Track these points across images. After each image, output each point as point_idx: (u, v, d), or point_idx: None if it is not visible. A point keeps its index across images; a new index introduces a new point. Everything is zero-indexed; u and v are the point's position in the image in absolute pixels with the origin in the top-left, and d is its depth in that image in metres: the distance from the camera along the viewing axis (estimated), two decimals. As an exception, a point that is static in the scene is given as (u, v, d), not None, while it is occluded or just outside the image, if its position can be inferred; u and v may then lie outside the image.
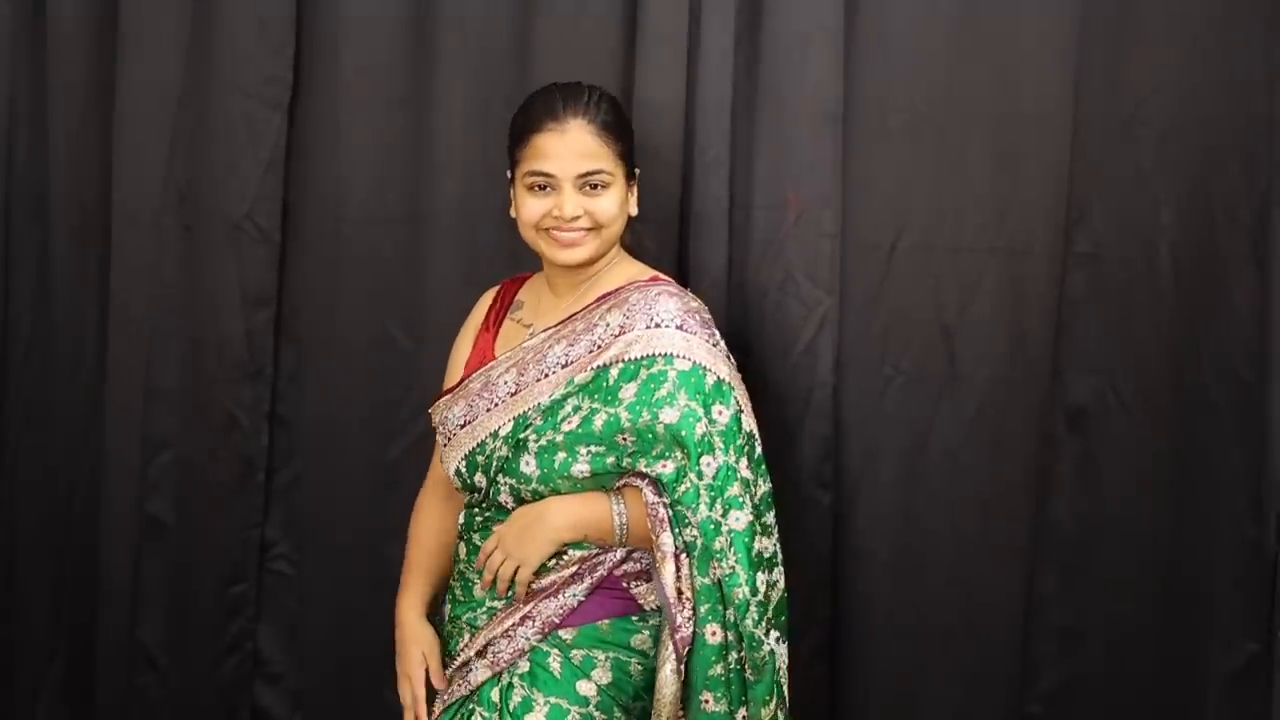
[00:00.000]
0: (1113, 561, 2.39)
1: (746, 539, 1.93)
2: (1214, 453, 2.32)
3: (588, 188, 2.02)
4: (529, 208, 2.04)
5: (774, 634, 1.97)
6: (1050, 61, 2.34)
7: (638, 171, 2.12)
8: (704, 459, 1.92)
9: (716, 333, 2.03)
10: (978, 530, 2.41)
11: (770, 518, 2.02)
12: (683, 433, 1.92)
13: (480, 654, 2.04)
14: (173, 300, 2.54)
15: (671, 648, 1.94)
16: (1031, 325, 2.37)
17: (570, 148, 2.01)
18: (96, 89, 2.55)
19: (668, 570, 1.93)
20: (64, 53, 2.55)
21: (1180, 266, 2.33)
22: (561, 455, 1.99)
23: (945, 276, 2.38)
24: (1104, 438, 2.37)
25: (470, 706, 2.03)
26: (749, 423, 1.99)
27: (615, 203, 2.04)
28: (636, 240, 2.27)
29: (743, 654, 1.94)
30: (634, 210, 2.10)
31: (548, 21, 2.43)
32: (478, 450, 2.06)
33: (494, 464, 2.04)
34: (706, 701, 1.93)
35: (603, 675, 1.98)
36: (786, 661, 2.02)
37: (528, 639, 2.00)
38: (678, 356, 1.95)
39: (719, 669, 1.93)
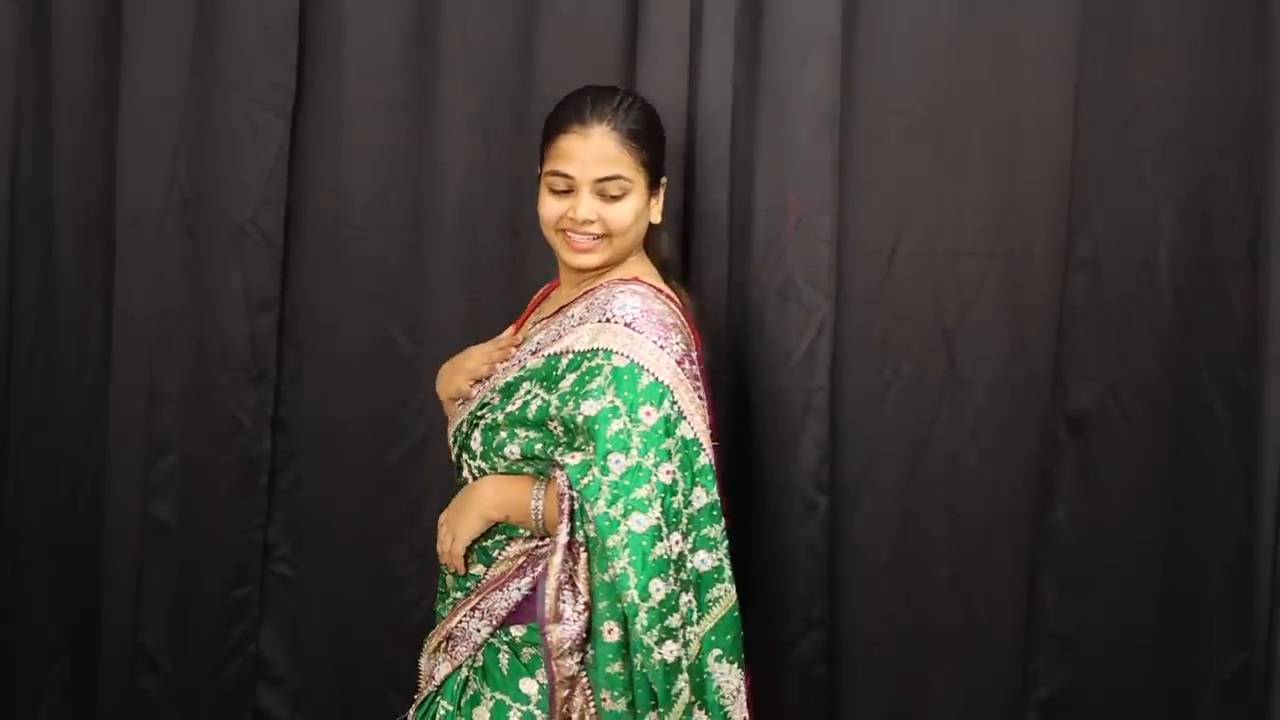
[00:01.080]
0: (1111, 567, 2.39)
1: (644, 542, 1.86)
2: (1211, 458, 2.32)
3: (605, 194, 2.02)
4: (548, 207, 2.05)
5: (668, 644, 1.88)
6: (1050, 66, 2.34)
7: (665, 181, 2.10)
8: (612, 456, 1.88)
9: (676, 337, 1.96)
10: (977, 534, 2.41)
11: (713, 530, 1.95)
12: (596, 426, 1.90)
13: (442, 648, 2.05)
14: (176, 303, 2.55)
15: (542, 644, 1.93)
16: (1031, 329, 2.38)
17: (591, 152, 2.00)
18: (101, 92, 2.56)
19: (554, 561, 1.91)
20: (68, 56, 2.56)
21: (1179, 271, 2.34)
22: (501, 434, 2.01)
23: (945, 280, 2.38)
24: (1103, 443, 2.37)
25: (436, 700, 2.04)
26: (689, 430, 1.93)
27: (631, 211, 2.03)
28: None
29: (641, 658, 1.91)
30: (656, 218, 2.08)
31: (550, 25, 2.44)
32: (458, 429, 2.09)
33: (459, 440, 2.08)
34: (605, 699, 1.91)
35: (546, 675, 1.96)
36: (733, 683, 1.95)
37: (479, 631, 2.00)
38: (617, 353, 1.93)
39: (617, 667, 1.90)
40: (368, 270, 2.53)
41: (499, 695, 1.98)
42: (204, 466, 2.57)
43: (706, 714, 1.93)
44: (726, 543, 1.96)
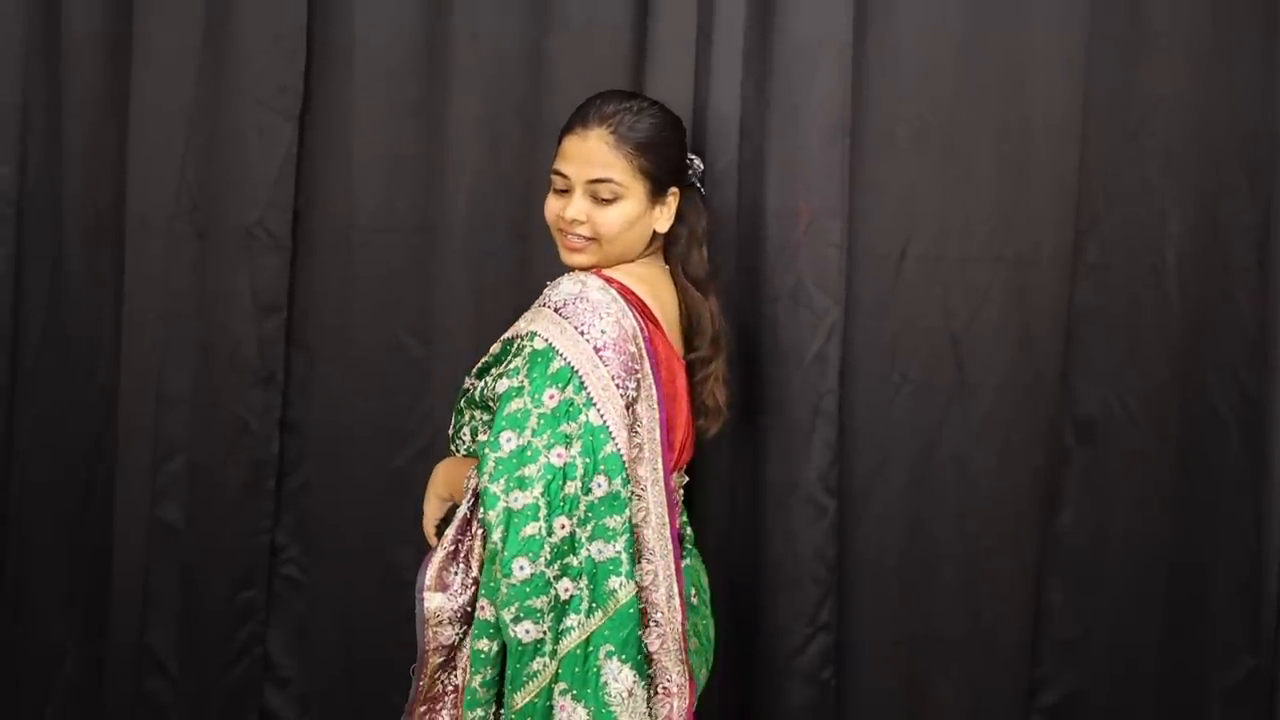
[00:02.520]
0: (1118, 572, 2.40)
1: (518, 520, 1.86)
2: (1219, 463, 2.34)
3: (597, 196, 2.03)
4: (549, 205, 2.08)
5: (526, 624, 1.86)
6: (1058, 73, 2.35)
7: (675, 190, 2.09)
8: (505, 434, 1.89)
9: (604, 323, 1.94)
10: (984, 539, 2.42)
11: (614, 521, 1.91)
12: (500, 404, 1.93)
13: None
14: (185, 306, 2.55)
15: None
16: (1039, 334, 2.39)
17: (585, 154, 2.02)
18: (110, 96, 2.57)
19: (449, 532, 1.96)
20: (78, 60, 2.57)
21: (1187, 276, 2.35)
22: (464, 417, 2.09)
23: (953, 286, 2.39)
24: (1111, 447, 2.38)
25: None
26: (598, 417, 1.91)
27: (621, 217, 2.03)
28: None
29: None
30: (663, 227, 2.09)
31: (559, 32, 2.45)
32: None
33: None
34: (471, 677, 1.92)
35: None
36: (622, 685, 1.90)
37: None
38: (539, 335, 1.95)
39: (483, 644, 1.91)
40: (376, 274, 2.54)
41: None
42: (212, 469, 2.58)
43: (585, 707, 1.89)
44: (628, 536, 1.92)
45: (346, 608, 2.59)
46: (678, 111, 2.14)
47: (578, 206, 2.03)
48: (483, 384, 2.04)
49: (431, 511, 2.10)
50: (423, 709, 1.98)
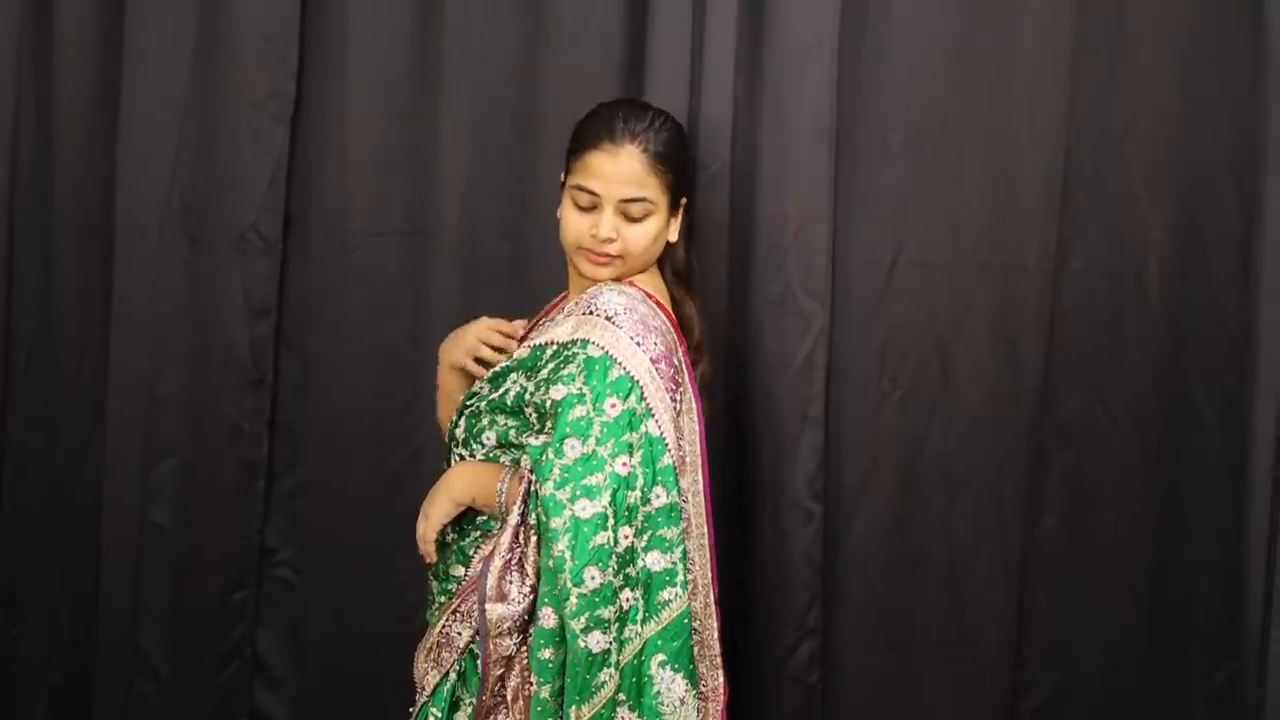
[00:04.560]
0: (1101, 577, 2.41)
1: (585, 529, 1.86)
2: (1201, 468, 2.35)
3: (629, 215, 2.02)
4: (572, 224, 2.05)
5: (595, 634, 1.86)
6: (1044, 80, 2.37)
7: (685, 201, 2.11)
8: (569, 441, 1.89)
9: (654, 338, 1.97)
10: (970, 542, 2.43)
11: (670, 532, 1.93)
12: (560, 410, 1.91)
13: (430, 655, 2.05)
14: (176, 308, 2.56)
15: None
16: (1024, 340, 2.39)
17: (619, 173, 2.01)
18: (101, 99, 2.57)
19: (503, 539, 1.92)
20: (70, 63, 2.57)
21: (1170, 283, 2.37)
22: (483, 421, 2.04)
23: (940, 292, 2.40)
24: (1094, 453, 2.40)
25: (427, 708, 2.05)
26: (656, 428, 1.93)
27: (650, 234, 2.04)
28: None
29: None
30: (673, 237, 2.10)
31: (552, 37, 2.46)
32: (454, 421, 2.12)
33: (449, 428, 2.11)
34: (532, 684, 1.91)
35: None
36: (675, 693, 1.92)
37: (461, 635, 2.01)
38: (593, 343, 1.94)
39: (548, 653, 1.89)
40: (368, 277, 2.55)
41: (475, 699, 1.99)
42: (203, 472, 2.58)
43: (640, 717, 1.91)
44: (683, 547, 1.94)
45: (340, 610, 2.60)
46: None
47: (611, 224, 2.02)
48: (509, 387, 2.02)
49: (440, 515, 2.04)
50: None
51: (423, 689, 2.06)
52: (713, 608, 2.04)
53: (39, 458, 2.66)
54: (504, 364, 2.06)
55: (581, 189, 2.03)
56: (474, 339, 2.17)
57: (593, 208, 2.03)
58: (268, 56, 2.51)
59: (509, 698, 1.95)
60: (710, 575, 2.05)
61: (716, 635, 2.04)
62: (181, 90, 2.53)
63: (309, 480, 2.61)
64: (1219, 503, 2.33)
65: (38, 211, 2.62)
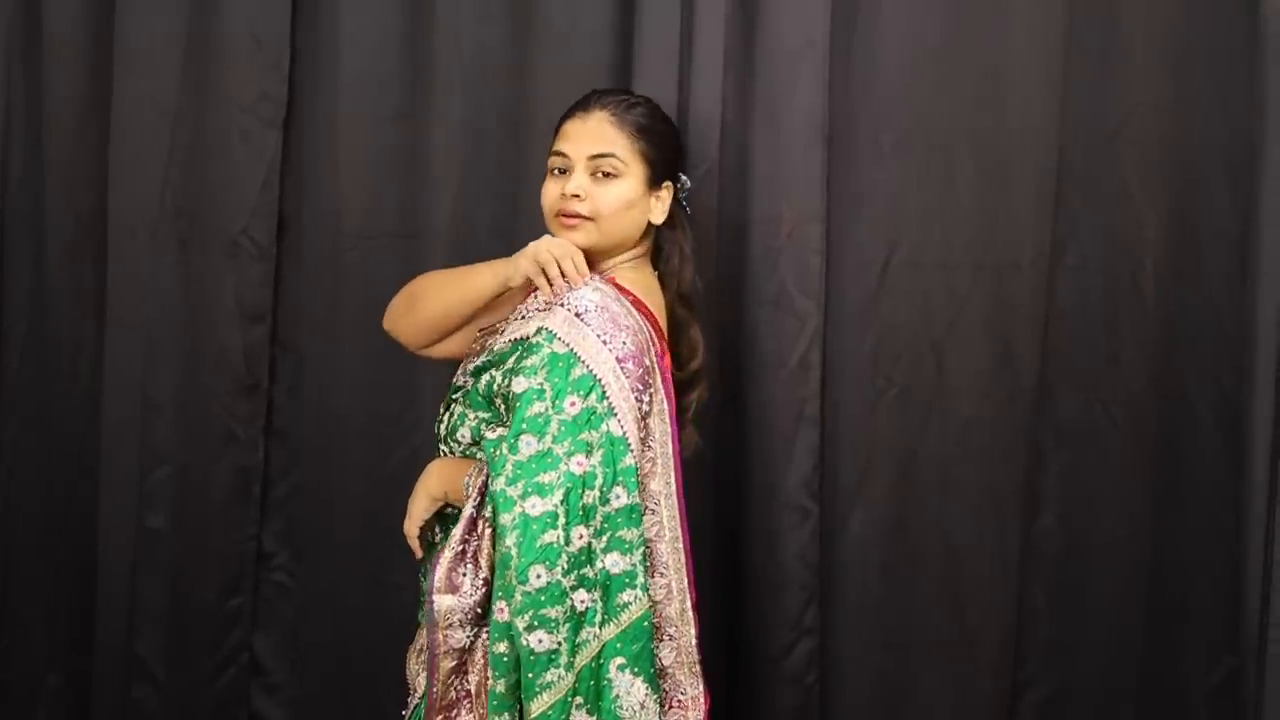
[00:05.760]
0: (1099, 575, 2.42)
1: (534, 526, 1.84)
2: (1198, 466, 2.36)
3: (598, 174, 2.05)
4: (548, 192, 2.08)
5: (539, 633, 1.85)
6: (1036, 79, 2.36)
7: (669, 184, 2.11)
8: (524, 437, 1.88)
9: (624, 337, 1.95)
10: (967, 541, 2.43)
11: (630, 534, 1.91)
12: (519, 405, 1.91)
13: (419, 657, 2.05)
14: (169, 313, 2.55)
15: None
16: (1019, 340, 2.40)
17: (587, 132, 2.05)
18: (92, 102, 2.57)
19: (456, 531, 1.93)
20: (60, 66, 2.56)
21: (1165, 281, 2.37)
22: (459, 415, 2.05)
23: (934, 291, 2.40)
24: (1090, 451, 2.40)
25: (419, 709, 2.03)
26: (618, 428, 1.91)
27: (620, 196, 2.05)
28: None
29: None
30: (658, 219, 2.10)
31: (543, 37, 2.46)
32: (439, 416, 2.12)
33: (436, 426, 2.11)
34: (488, 679, 1.90)
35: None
36: (634, 697, 1.91)
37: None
38: (558, 338, 1.94)
39: (503, 647, 1.87)
40: (362, 280, 2.54)
41: None
42: (198, 476, 2.58)
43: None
44: (643, 549, 1.93)
45: (337, 613, 2.60)
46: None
47: (578, 181, 2.04)
48: (486, 380, 2.02)
49: (419, 510, 2.05)
50: (439, 718, 1.96)
51: (414, 690, 2.06)
52: (690, 614, 2.01)
53: (33, 458, 2.65)
54: (484, 359, 2.06)
55: (554, 153, 2.08)
56: (548, 254, 2.03)
57: (565, 171, 2.06)
58: (259, 58, 2.51)
59: (472, 692, 1.94)
60: (687, 581, 2.02)
61: (695, 642, 2.01)
62: (173, 92, 2.53)
63: (305, 484, 2.61)
64: (1216, 501, 2.33)
65: (29, 213, 2.61)
